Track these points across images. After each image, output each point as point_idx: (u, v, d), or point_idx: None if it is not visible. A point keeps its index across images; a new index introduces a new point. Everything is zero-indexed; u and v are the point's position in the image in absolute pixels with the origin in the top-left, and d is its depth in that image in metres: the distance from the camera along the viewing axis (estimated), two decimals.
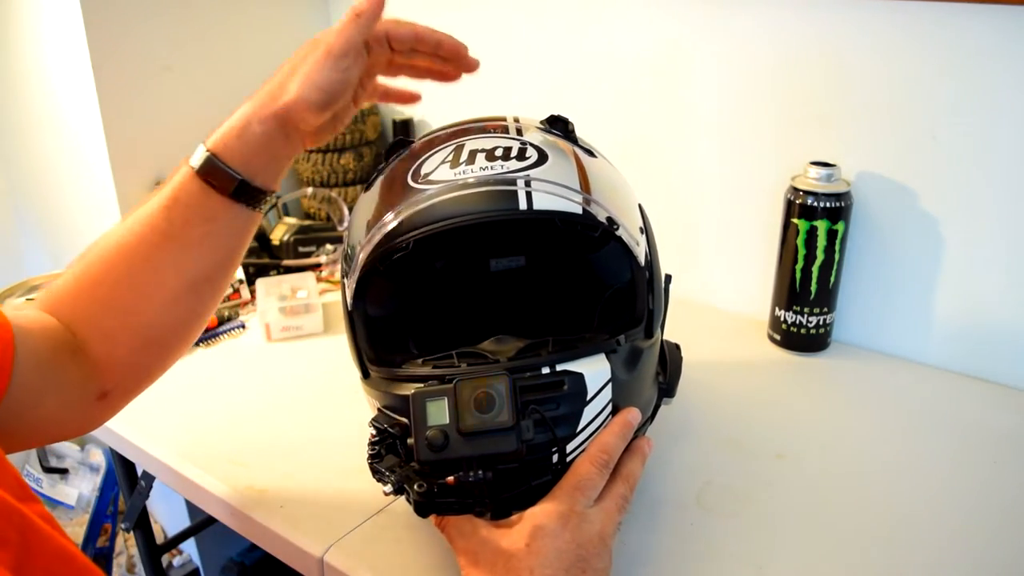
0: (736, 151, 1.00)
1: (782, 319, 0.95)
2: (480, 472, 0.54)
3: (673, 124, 1.04)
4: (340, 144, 1.27)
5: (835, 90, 0.91)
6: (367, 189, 0.67)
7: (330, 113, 0.61)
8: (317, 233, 1.19)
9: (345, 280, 0.65)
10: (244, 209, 0.61)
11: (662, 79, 1.03)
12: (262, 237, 1.18)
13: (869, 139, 0.90)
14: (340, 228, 1.19)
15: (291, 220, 1.20)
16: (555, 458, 0.58)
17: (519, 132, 0.65)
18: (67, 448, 1.61)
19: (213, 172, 0.59)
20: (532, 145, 0.62)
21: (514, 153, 0.61)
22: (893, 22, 0.84)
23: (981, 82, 0.81)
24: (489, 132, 0.65)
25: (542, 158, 0.61)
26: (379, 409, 0.63)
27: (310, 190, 1.24)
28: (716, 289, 1.08)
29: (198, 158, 0.60)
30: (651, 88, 1.05)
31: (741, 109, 0.98)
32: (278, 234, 1.18)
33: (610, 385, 0.59)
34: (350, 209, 1.21)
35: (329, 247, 1.18)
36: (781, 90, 0.94)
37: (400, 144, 0.68)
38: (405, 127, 1.31)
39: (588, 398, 0.59)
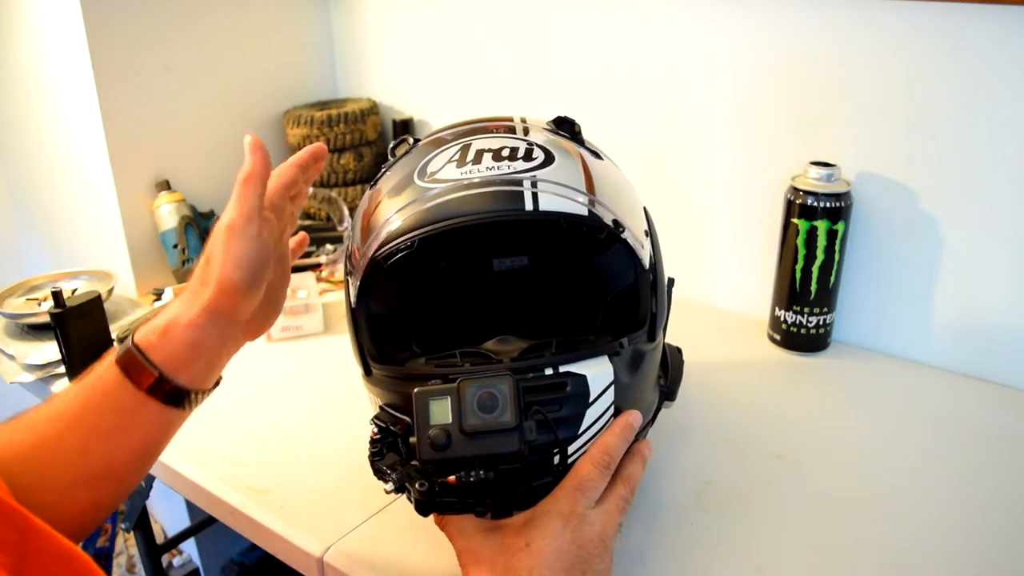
0: (736, 151, 1.01)
1: (782, 319, 0.95)
2: (482, 472, 0.54)
3: (673, 124, 1.04)
4: (340, 144, 1.27)
5: (836, 90, 0.91)
6: (373, 186, 0.67)
7: (259, 290, 0.57)
8: (317, 233, 1.19)
9: (349, 278, 0.64)
10: (162, 407, 0.56)
11: (663, 80, 1.03)
12: None
13: (869, 139, 0.90)
14: (340, 228, 1.19)
15: None
16: (556, 459, 0.58)
17: (526, 132, 0.65)
18: None
19: (131, 364, 0.55)
20: (539, 146, 0.62)
21: (521, 153, 0.61)
22: (893, 22, 0.85)
23: (981, 82, 0.82)
24: (496, 132, 0.65)
25: (548, 159, 0.61)
26: (381, 407, 0.63)
27: (310, 190, 1.23)
28: (716, 289, 1.08)
29: (121, 347, 0.56)
30: (652, 88, 1.05)
31: (741, 109, 0.98)
32: None
33: (612, 387, 0.59)
34: (350, 209, 1.21)
35: (329, 247, 1.18)
36: (781, 90, 0.95)
37: (406, 141, 0.68)
38: (405, 127, 1.31)
39: (591, 400, 0.58)
